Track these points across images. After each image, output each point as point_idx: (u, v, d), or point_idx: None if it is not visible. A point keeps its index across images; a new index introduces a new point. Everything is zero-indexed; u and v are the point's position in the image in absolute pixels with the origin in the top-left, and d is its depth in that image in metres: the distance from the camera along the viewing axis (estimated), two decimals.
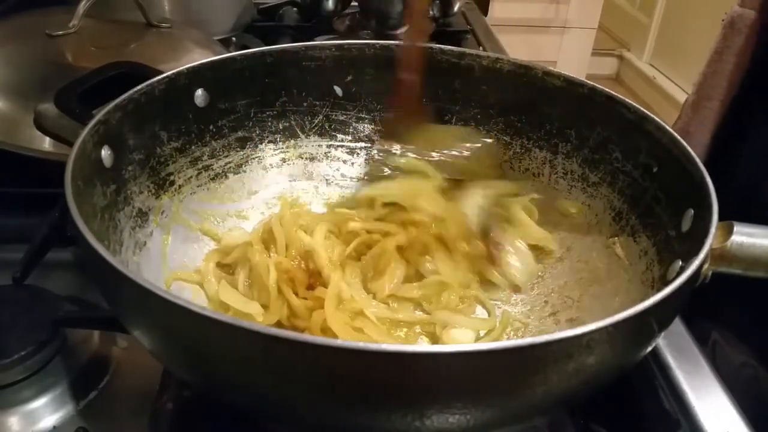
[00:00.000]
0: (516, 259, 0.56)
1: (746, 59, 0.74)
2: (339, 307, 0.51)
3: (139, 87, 0.53)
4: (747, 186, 0.64)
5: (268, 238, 0.58)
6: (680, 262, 0.46)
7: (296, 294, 0.52)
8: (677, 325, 0.53)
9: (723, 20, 0.75)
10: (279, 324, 0.51)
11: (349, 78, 0.66)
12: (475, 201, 0.60)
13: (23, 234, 0.57)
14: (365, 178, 0.66)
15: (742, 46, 0.73)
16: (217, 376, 0.38)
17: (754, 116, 0.74)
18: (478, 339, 0.54)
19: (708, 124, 0.76)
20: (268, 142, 0.66)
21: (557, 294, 0.57)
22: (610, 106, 0.57)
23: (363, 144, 0.69)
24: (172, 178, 0.58)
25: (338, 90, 0.66)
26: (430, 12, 1.15)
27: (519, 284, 0.57)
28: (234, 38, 1.08)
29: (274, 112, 0.65)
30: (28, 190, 0.67)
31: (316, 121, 0.67)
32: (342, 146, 0.68)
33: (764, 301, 0.61)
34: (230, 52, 0.64)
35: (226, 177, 0.63)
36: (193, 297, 0.54)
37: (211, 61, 0.59)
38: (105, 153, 0.49)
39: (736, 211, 0.43)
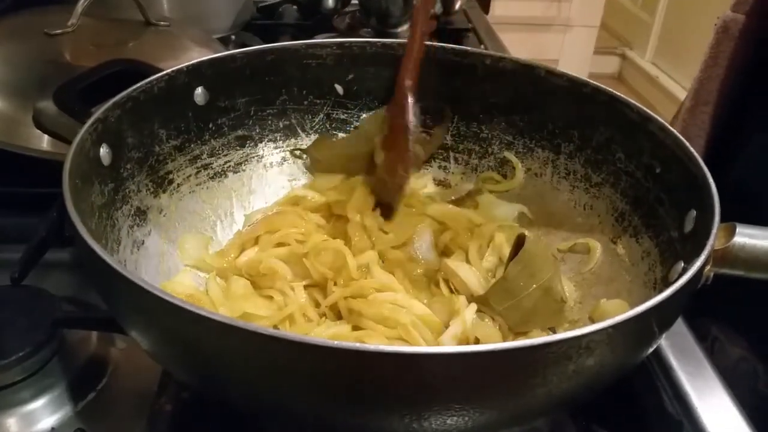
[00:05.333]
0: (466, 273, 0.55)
1: (740, 63, 0.74)
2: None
3: (138, 85, 0.53)
4: (742, 187, 0.65)
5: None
6: (682, 264, 0.46)
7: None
8: (680, 326, 0.53)
9: (716, 25, 0.76)
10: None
11: (350, 76, 0.65)
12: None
13: (21, 234, 0.57)
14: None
15: (735, 50, 0.74)
16: (215, 376, 0.38)
17: (750, 119, 0.74)
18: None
19: (705, 128, 0.77)
20: (269, 140, 0.65)
21: None
22: (613, 105, 0.56)
23: None
24: (171, 176, 0.58)
25: (339, 88, 0.66)
26: (431, 10, 1.14)
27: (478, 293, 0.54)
28: (233, 36, 1.07)
29: (275, 111, 0.65)
30: (27, 190, 0.66)
31: (317, 120, 0.67)
32: None
33: (762, 298, 0.61)
34: (229, 50, 0.63)
35: (226, 176, 0.63)
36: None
37: (211, 59, 0.59)
38: (103, 151, 0.49)
39: (730, 212, 0.43)
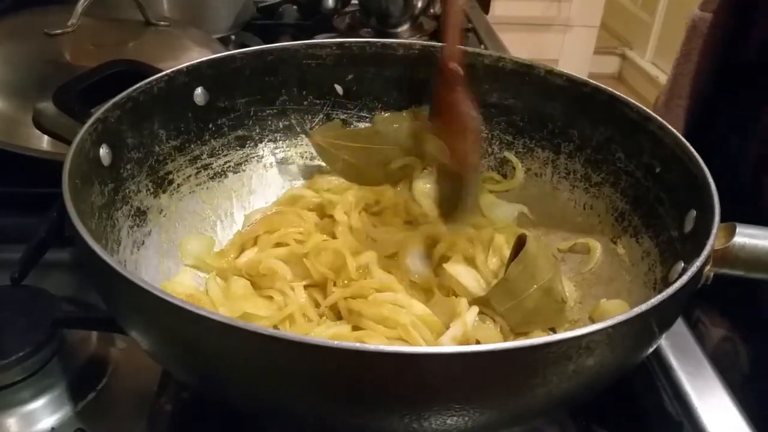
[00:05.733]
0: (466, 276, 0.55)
1: (709, 60, 0.76)
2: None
3: (137, 85, 0.53)
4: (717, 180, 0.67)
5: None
6: (682, 264, 0.46)
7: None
8: (680, 326, 0.53)
9: (686, 23, 0.78)
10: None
11: (350, 76, 0.65)
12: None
13: (21, 234, 0.57)
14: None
15: (705, 48, 0.76)
16: (215, 376, 0.38)
17: (720, 115, 0.76)
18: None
19: (680, 122, 0.79)
20: (268, 140, 0.65)
21: None
22: (613, 105, 0.56)
23: None
24: (171, 177, 0.58)
25: (339, 89, 0.66)
26: (431, 10, 1.14)
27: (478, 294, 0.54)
28: (233, 36, 1.07)
29: (274, 111, 0.65)
30: (27, 190, 0.66)
31: (317, 120, 0.67)
32: None
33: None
34: (229, 50, 0.63)
35: (226, 176, 0.63)
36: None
37: (211, 59, 0.59)
38: (103, 151, 0.49)
39: None
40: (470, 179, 0.58)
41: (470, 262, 0.57)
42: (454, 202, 0.59)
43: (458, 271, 0.54)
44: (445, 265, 0.55)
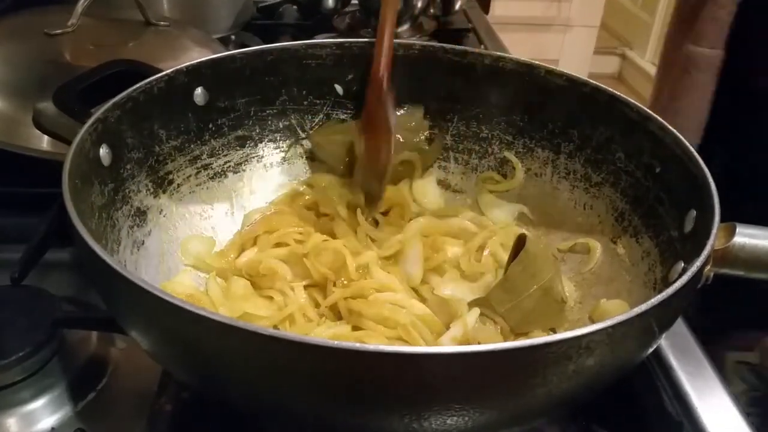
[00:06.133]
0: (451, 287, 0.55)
1: (716, 88, 0.81)
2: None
3: (137, 85, 0.53)
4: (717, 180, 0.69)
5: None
6: (682, 264, 0.46)
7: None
8: (680, 326, 0.53)
9: (681, 58, 0.83)
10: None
11: (350, 76, 0.65)
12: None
13: (21, 234, 0.57)
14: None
15: (712, 79, 0.81)
16: (215, 376, 0.38)
17: (723, 122, 0.78)
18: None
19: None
20: (269, 140, 0.65)
21: None
22: (613, 105, 0.56)
23: None
24: (171, 177, 0.58)
25: (339, 88, 0.66)
26: (431, 10, 1.14)
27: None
28: (233, 36, 1.07)
29: (275, 111, 0.65)
30: (27, 190, 0.66)
31: (317, 120, 0.67)
32: None
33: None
34: (229, 50, 0.63)
35: (226, 176, 0.63)
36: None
37: (211, 59, 0.59)
38: (103, 151, 0.49)
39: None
40: (386, 174, 0.63)
41: (466, 276, 0.57)
42: (374, 191, 0.63)
43: (452, 289, 0.54)
44: (435, 292, 0.54)
